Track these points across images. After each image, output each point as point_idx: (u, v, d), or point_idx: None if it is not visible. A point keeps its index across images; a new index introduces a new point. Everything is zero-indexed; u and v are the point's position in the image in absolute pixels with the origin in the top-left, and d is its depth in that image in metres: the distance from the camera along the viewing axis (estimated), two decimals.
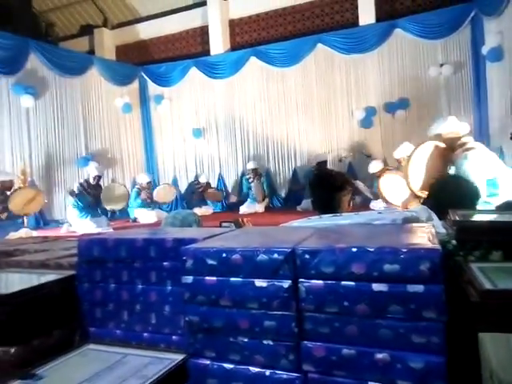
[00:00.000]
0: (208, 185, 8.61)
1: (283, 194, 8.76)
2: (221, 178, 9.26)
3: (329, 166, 7.59)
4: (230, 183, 9.26)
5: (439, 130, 3.38)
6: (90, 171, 7.47)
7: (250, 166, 8.40)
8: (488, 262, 1.25)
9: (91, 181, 7.21)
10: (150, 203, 7.91)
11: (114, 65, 9.65)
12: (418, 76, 7.59)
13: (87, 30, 10.69)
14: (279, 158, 8.82)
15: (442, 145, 3.35)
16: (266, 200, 8.36)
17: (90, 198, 6.96)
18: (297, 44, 8.36)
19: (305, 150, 8.53)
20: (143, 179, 8.12)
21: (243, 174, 8.71)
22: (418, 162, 3.31)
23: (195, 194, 8.55)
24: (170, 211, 6.60)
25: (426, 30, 7.29)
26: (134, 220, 7.80)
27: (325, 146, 8.28)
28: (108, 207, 7.40)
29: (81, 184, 7.11)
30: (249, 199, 8.35)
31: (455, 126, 3.39)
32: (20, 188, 6.54)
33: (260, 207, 8.16)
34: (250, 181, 8.32)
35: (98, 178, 7.34)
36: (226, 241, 1.31)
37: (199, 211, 7.68)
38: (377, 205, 6.30)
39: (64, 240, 2.34)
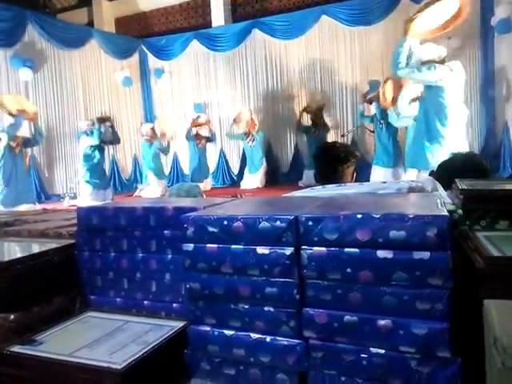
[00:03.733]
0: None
1: (286, 169, 8.71)
2: (222, 154, 9.20)
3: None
4: (231, 159, 9.21)
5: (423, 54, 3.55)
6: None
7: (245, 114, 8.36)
8: (495, 230, 1.23)
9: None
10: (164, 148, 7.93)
11: (114, 37, 9.45)
12: None
13: (86, 1, 10.41)
14: (282, 132, 8.74)
15: None
16: (265, 164, 8.27)
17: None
18: (300, 16, 8.15)
19: (308, 124, 8.43)
20: (146, 126, 8.17)
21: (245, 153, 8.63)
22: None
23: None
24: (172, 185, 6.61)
25: None
26: (141, 187, 7.87)
27: (328, 119, 8.17)
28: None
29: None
30: (247, 170, 8.32)
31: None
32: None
33: (260, 179, 8.13)
34: (249, 144, 8.26)
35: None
36: (227, 209, 1.28)
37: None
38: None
39: (64, 211, 2.33)
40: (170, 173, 9.63)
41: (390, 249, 0.95)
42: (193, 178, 8.36)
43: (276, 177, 8.63)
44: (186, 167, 9.14)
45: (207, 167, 8.81)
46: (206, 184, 8.47)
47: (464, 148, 3.45)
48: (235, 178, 9.00)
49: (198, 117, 8.55)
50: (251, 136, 8.20)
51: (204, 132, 8.46)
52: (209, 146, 9.25)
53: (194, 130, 8.32)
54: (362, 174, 7.09)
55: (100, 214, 1.41)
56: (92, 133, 6.76)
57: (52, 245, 1.46)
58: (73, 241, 1.49)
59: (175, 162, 9.57)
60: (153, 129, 8.16)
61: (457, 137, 3.76)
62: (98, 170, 6.92)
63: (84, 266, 1.44)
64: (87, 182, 6.80)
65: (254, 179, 8.15)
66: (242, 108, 8.50)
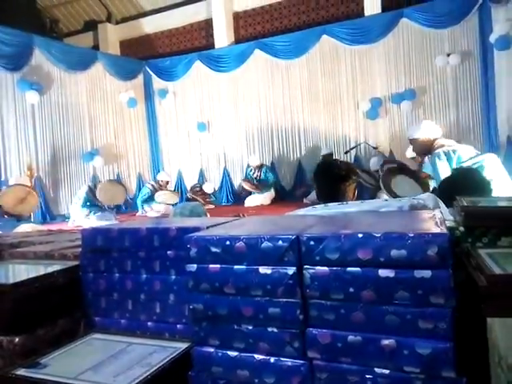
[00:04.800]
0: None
1: (289, 186, 8.72)
2: (226, 172, 9.24)
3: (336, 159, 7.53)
4: (234, 176, 9.24)
5: (416, 134, 3.42)
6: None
7: (253, 161, 8.45)
8: (497, 247, 1.23)
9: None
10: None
11: (119, 60, 9.64)
12: (424, 66, 7.48)
13: (91, 25, 10.67)
14: (284, 150, 8.78)
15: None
16: (272, 191, 8.34)
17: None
18: (301, 36, 8.28)
19: (310, 142, 8.48)
20: (163, 177, 8.29)
21: (248, 166, 8.70)
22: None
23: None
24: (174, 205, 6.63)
25: (433, 18, 7.18)
26: (143, 211, 7.87)
27: (330, 138, 8.22)
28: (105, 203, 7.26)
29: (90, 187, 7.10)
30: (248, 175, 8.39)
31: (429, 129, 3.44)
32: (12, 186, 6.30)
33: (266, 200, 8.14)
34: (254, 176, 8.33)
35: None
36: (229, 229, 1.29)
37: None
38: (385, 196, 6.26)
39: (69, 232, 2.35)
40: (174, 190, 9.67)
41: (392, 268, 0.96)
42: None
43: (280, 194, 8.65)
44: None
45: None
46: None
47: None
48: (239, 195, 9.03)
49: (196, 186, 8.65)
50: (258, 173, 8.33)
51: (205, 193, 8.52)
52: (212, 163, 9.31)
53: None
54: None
55: (104, 235, 1.43)
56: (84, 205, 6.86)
57: (56, 267, 1.47)
58: (77, 262, 1.50)
59: (179, 182, 9.63)
60: (167, 183, 8.37)
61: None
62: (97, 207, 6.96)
63: (88, 287, 1.45)
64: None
65: (258, 197, 8.17)
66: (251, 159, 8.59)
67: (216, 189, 8.86)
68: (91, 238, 1.45)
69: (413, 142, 3.45)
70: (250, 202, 8.14)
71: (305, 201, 7.29)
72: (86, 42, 10.43)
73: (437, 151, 3.21)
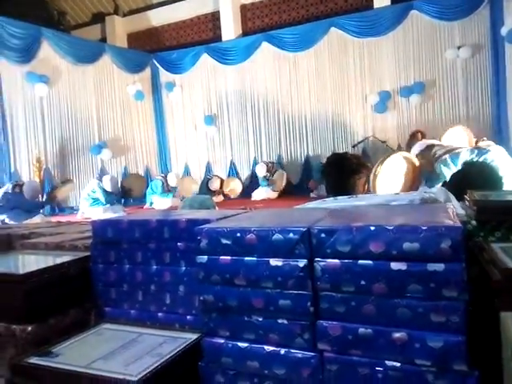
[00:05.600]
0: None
1: (296, 180, 8.70)
2: (232, 165, 9.23)
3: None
4: (241, 170, 9.24)
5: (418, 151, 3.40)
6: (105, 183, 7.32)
7: (260, 171, 8.33)
8: (510, 241, 1.22)
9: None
10: (168, 192, 7.97)
11: (126, 52, 9.63)
12: (434, 59, 7.39)
13: (99, 17, 10.66)
14: (291, 143, 8.74)
15: (410, 156, 3.32)
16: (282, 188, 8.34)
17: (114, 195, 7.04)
18: (309, 28, 8.20)
19: (317, 136, 8.43)
20: (171, 181, 8.11)
21: (255, 163, 8.65)
22: (386, 176, 3.25)
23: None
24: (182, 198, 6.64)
25: (443, 10, 7.07)
26: (151, 205, 7.89)
27: (338, 132, 8.17)
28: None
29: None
30: (262, 184, 8.35)
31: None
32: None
33: (273, 193, 8.12)
34: (268, 179, 8.28)
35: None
36: (239, 221, 1.29)
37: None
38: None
39: (78, 224, 2.36)
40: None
41: (404, 261, 0.95)
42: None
43: (288, 188, 8.62)
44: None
45: None
46: (218, 196, 8.51)
47: None
48: (245, 189, 9.02)
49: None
50: (270, 177, 8.28)
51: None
52: (219, 157, 9.31)
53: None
54: None
55: (115, 226, 1.43)
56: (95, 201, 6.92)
57: (67, 257, 1.49)
58: (88, 253, 1.51)
59: (186, 172, 9.64)
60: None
61: None
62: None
63: (99, 278, 1.46)
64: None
65: (265, 191, 8.15)
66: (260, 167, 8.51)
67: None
68: (102, 230, 1.45)
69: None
70: (257, 195, 8.13)
71: (312, 195, 7.28)
72: (94, 34, 10.42)
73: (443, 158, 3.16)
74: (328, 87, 8.26)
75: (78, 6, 10.86)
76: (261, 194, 8.13)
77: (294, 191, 8.48)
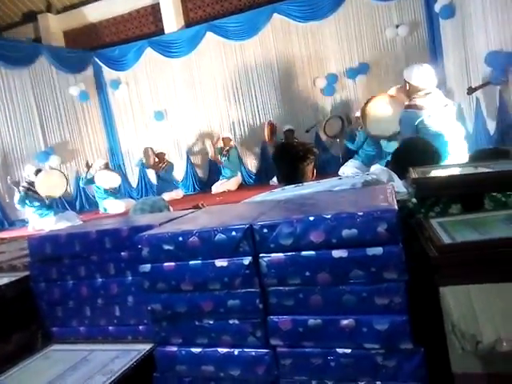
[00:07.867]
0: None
1: (254, 169, 8.71)
2: (189, 161, 9.10)
3: (296, 137, 7.56)
4: (198, 163, 9.13)
5: (413, 80, 3.33)
6: (28, 171, 6.90)
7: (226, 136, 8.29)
8: (448, 215, 1.26)
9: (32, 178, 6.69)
10: (115, 193, 7.72)
11: (64, 52, 9.16)
12: (375, 39, 7.58)
13: (31, 16, 10.05)
14: (246, 133, 8.72)
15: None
16: (239, 176, 8.32)
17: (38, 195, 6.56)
18: (252, 16, 8.15)
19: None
20: (99, 163, 7.91)
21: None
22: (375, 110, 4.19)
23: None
24: (139, 198, 6.45)
25: None
26: (105, 211, 7.62)
27: (289, 117, 8.23)
28: (44, 195, 6.66)
29: (24, 187, 6.62)
30: (220, 177, 8.30)
31: (425, 77, 3.33)
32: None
33: (232, 185, 8.10)
34: (225, 155, 8.22)
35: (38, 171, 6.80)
36: (182, 224, 1.25)
37: (168, 195, 7.57)
38: (346, 170, 6.38)
39: (21, 240, 2.23)
40: (138, 184, 9.45)
41: (344, 248, 0.96)
42: (161, 189, 8.25)
43: (247, 178, 8.63)
44: (154, 178, 9.00)
45: (173, 178, 8.76)
46: (177, 193, 8.37)
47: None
48: (205, 182, 8.94)
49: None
50: (225, 152, 8.20)
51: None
52: (173, 153, 9.13)
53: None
54: (330, 167, 7.21)
55: (53, 242, 1.35)
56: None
57: (4, 279, 1.39)
58: (27, 272, 1.42)
59: (142, 173, 9.40)
60: (106, 164, 8.07)
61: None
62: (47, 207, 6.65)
63: (42, 297, 1.38)
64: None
65: (225, 183, 8.12)
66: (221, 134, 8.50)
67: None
68: (39, 247, 1.37)
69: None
70: (217, 188, 8.08)
71: (271, 183, 7.32)
72: (27, 34, 9.83)
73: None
74: (276, 74, 8.28)
75: (6, 5, 10.18)
76: (220, 187, 8.10)
77: (254, 181, 8.51)
